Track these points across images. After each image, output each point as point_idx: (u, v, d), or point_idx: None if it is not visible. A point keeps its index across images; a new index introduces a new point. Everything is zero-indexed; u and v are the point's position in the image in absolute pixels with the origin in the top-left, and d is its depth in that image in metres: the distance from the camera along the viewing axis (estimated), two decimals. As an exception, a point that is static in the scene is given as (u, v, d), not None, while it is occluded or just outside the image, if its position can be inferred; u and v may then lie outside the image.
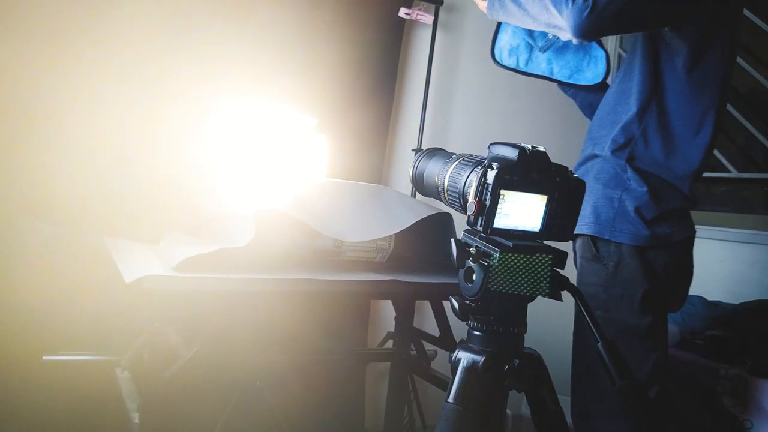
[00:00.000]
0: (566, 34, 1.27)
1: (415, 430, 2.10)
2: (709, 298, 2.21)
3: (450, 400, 0.91)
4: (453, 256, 0.92)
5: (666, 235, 1.31)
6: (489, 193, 0.87)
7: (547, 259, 0.88)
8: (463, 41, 2.48)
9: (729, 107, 2.52)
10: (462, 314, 0.93)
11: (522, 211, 0.90)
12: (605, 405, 1.31)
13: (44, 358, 1.67)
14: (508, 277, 0.88)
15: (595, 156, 1.38)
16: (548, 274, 0.89)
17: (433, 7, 2.31)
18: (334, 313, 2.01)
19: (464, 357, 0.94)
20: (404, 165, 2.36)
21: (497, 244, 0.89)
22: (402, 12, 2.24)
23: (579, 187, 0.92)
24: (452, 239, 0.93)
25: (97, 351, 1.73)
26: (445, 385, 0.94)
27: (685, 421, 1.97)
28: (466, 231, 0.95)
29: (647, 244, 1.30)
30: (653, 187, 1.30)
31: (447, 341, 1.67)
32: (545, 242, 0.93)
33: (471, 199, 0.90)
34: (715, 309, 2.14)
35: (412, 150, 1.21)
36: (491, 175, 0.87)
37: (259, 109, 1.52)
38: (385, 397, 2.00)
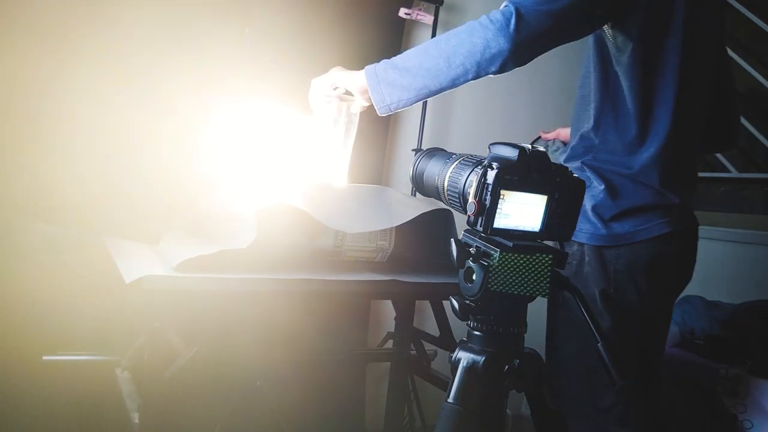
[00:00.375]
0: (495, 65, 1.14)
1: (415, 430, 2.11)
2: (709, 298, 2.21)
3: (450, 400, 0.91)
4: (453, 256, 0.92)
5: (628, 233, 1.27)
6: (489, 193, 0.88)
7: (547, 259, 0.88)
8: (463, 41, 2.48)
9: (729, 107, 2.52)
10: (462, 314, 0.93)
11: (522, 211, 0.90)
12: (567, 407, 1.29)
13: (44, 358, 1.67)
14: (508, 277, 0.88)
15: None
16: (548, 274, 0.89)
17: (433, 7, 2.31)
18: (334, 313, 2.01)
19: (464, 357, 0.94)
20: (404, 165, 2.36)
21: (497, 244, 0.89)
22: (402, 12, 2.24)
23: (579, 187, 0.92)
24: (452, 239, 0.93)
25: (97, 351, 1.73)
26: (445, 385, 0.94)
27: (685, 421, 1.97)
28: (466, 231, 0.95)
29: (605, 243, 1.27)
30: (611, 185, 1.27)
31: (447, 341, 1.67)
32: (545, 242, 0.93)
33: (471, 199, 0.90)
34: (715, 309, 2.14)
35: (412, 150, 1.21)
36: (491, 175, 0.87)
37: (259, 110, 1.52)
38: (385, 397, 2.00)
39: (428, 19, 2.29)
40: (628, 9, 1.22)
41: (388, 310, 2.16)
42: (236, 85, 1.85)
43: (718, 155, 2.65)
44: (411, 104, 1.23)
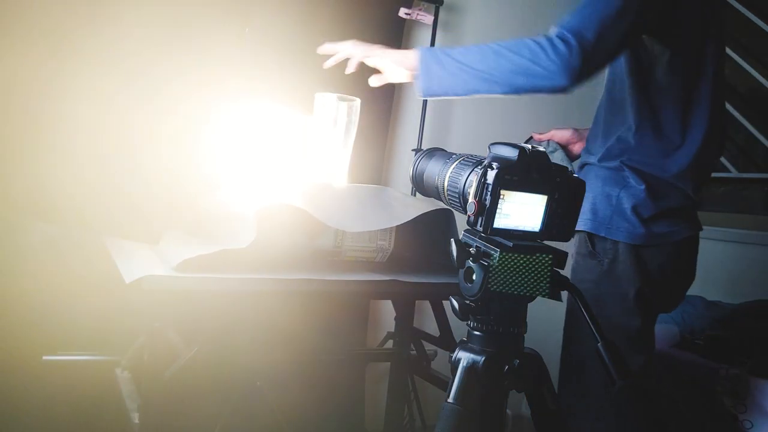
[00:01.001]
0: (547, 92, 1.18)
1: (415, 430, 2.11)
2: (709, 298, 2.21)
3: (450, 400, 0.91)
4: (453, 256, 0.92)
5: (663, 234, 1.30)
6: (489, 193, 0.88)
7: (547, 259, 0.88)
8: (463, 41, 2.48)
9: (729, 107, 2.52)
10: (462, 314, 0.93)
11: (522, 211, 0.90)
12: (593, 404, 1.31)
13: (44, 358, 1.67)
14: (508, 277, 0.88)
15: (590, 164, 1.39)
16: (548, 274, 0.89)
17: (433, 7, 2.31)
18: (334, 313, 2.01)
19: (464, 357, 0.94)
20: (404, 165, 2.36)
21: (497, 244, 0.89)
22: (402, 12, 2.24)
23: (579, 187, 0.92)
24: (452, 239, 0.93)
25: (97, 351, 1.73)
26: (445, 385, 0.94)
27: (685, 421, 1.97)
28: (466, 231, 0.95)
29: (643, 242, 1.29)
30: (651, 186, 1.30)
31: (447, 341, 1.67)
32: (545, 242, 0.93)
33: (471, 199, 0.90)
34: (715, 309, 2.14)
35: (412, 150, 1.21)
36: (491, 175, 0.87)
37: (260, 110, 1.52)
38: (385, 397, 2.00)
39: (428, 19, 2.29)
40: (665, 22, 1.25)
41: (388, 310, 2.16)
42: (236, 85, 1.85)
43: (718, 155, 2.65)
44: (453, 97, 1.27)
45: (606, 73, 1.39)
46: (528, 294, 0.89)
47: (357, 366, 2.22)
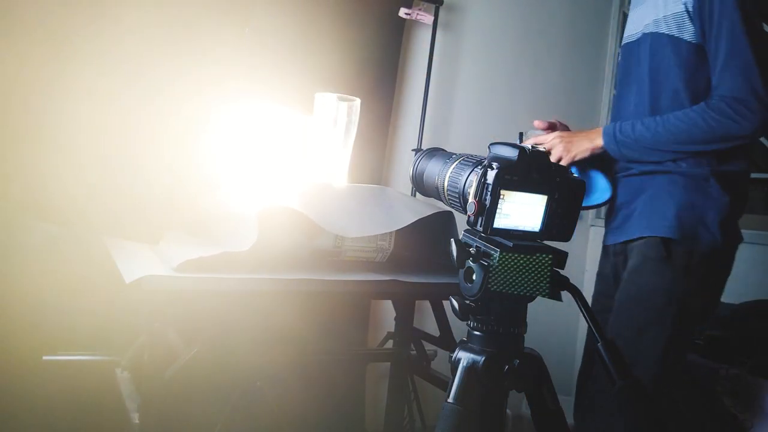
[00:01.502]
0: (746, 143, 1.32)
1: (415, 430, 2.11)
2: (709, 298, 2.21)
3: (450, 400, 0.91)
4: (453, 256, 0.92)
5: (736, 241, 1.38)
6: (489, 193, 0.88)
7: (547, 259, 0.88)
8: (463, 41, 2.48)
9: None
10: (462, 314, 0.93)
11: (522, 211, 0.90)
12: (601, 404, 1.31)
13: (44, 358, 1.67)
14: (508, 277, 0.88)
15: (665, 172, 1.40)
16: (548, 274, 0.89)
17: (433, 7, 2.31)
18: (334, 313, 2.01)
19: (464, 357, 0.94)
20: (404, 165, 2.36)
21: (497, 244, 0.89)
22: (402, 12, 2.24)
23: (579, 187, 0.92)
24: (452, 239, 0.93)
25: (97, 351, 1.73)
26: (445, 385, 0.94)
27: (685, 421, 1.97)
28: (466, 231, 0.95)
29: (720, 249, 1.35)
30: (734, 195, 1.35)
31: (447, 341, 1.67)
32: (545, 242, 0.93)
33: (471, 199, 0.90)
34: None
35: (412, 150, 1.22)
36: (491, 175, 0.87)
37: (260, 110, 1.52)
38: (385, 397, 2.00)
39: (428, 19, 2.29)
40: None
41: (388, 310, 2.16)
42: (236, 85, 1.85)
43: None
44: None
45: (645, 82, 1.41)
46: (528, 294, 0.89)
47: (357, 366, 2.22)
